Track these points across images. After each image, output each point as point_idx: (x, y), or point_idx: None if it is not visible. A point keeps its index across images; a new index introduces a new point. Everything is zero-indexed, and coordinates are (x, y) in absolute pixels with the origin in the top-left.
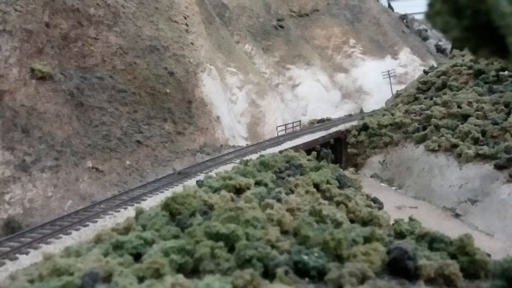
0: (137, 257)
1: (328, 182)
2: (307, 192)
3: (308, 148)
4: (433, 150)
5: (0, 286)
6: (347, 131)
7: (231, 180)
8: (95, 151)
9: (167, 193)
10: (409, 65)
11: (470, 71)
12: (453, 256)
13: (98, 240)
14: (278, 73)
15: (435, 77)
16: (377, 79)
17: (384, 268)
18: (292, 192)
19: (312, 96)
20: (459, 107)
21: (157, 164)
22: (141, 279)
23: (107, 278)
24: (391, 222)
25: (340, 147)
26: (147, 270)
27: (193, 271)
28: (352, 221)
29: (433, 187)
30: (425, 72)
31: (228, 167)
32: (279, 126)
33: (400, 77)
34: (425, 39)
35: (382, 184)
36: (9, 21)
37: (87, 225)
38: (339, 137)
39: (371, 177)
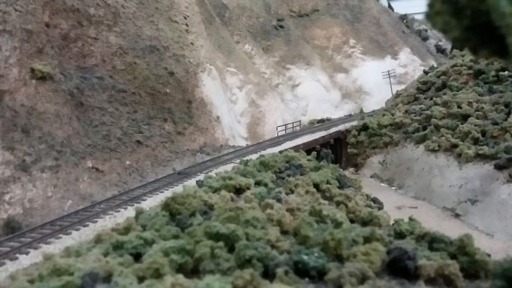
0: (137, 257)
1: (328, 182)
2: (307, 192)
3: (308, 148)
4: (433, 150)
5: (0, 286)
6: (347, 131)
7: (231, 180)
8: (95, 151)
9: (167, 193)
10: (409, 65)
11: (470, 71)
12: (453, 256)
13: (98, 240)
14: (278, 73)
15: (435, 77)
16: (377, 79)
17: (384, 268)
18: (292, 192)
19: (312, 96)
20: (459, 107)
21: (157, 164)
22: (141, 279)
23: (107, 278)
24: (391, 222)
25: (340, 147)
26: (147, 270)
27: (193, 271)
28: (352, 221)
29: (433, 187)
30: (425, 72)
31: (228, 167)
32: (279, 126)
33: (400, 77)
34: (425, 39)
35: (382, 184)
36: (9, 21)
37: (87, 225)
38: (339, 137)
39: (371, 177)
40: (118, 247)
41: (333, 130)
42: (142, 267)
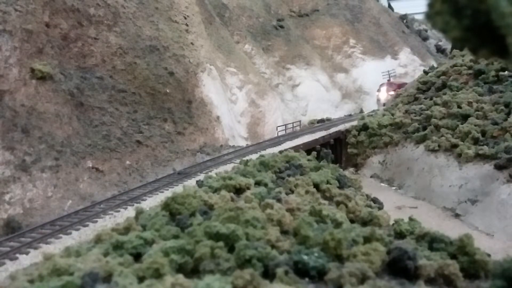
0: (137, 257)
1: (328, 182)
2: (307, 192)
3: (308, 148)
4: (433, 150)
5: (0, 286)
6: (347, 131)
7: (231, 180)
8: (95, 151)
9: (167, 193)
10: (409, 65)
11: (470, 71)
12: (453, 256)
13: (98, 240)
14: (278, 73)
15: (435, 77)
16: (377, 79)
17: (384, 268)
18: (292, 192)
19: (312, 96)
20: (459, 107)
21: (157, 164)
22: (141, 279)
23: (107, 278)
24: (391, 222)
25: (340, 147)
26: (147, 270)
27: (193, 271)
28: (352, 221)
29: (433, 187)
30: (425, 72)
31: (228, 167)
32: (279, 126)
33: (400, 77)
34: (425, 39)
35: (382, 184)
36: (9, 21)
37: (87, 225)
38: (339, 137)
39: (371, 177)
40: (118, 247)
41: (333, 130)
42: (142, 267)
